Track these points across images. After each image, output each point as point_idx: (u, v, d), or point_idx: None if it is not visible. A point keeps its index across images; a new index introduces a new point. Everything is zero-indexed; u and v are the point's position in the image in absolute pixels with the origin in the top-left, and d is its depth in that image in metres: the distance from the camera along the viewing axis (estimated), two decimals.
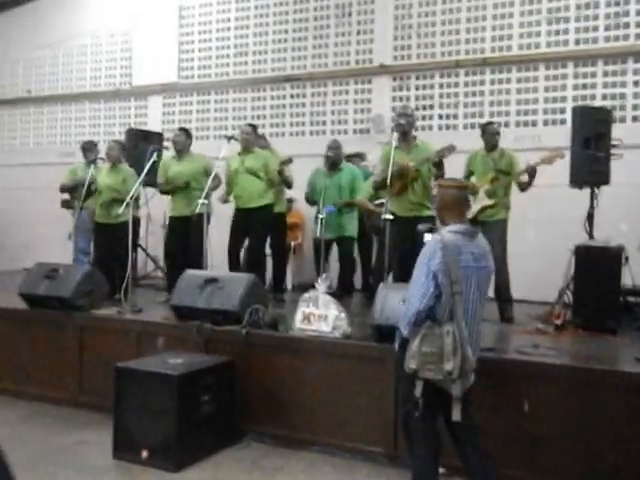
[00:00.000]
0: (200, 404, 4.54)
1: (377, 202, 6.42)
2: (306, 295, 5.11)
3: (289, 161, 6.87)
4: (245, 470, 4.47)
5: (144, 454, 4.41)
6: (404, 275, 5.72)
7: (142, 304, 6.31)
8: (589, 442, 4.03)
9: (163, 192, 7.10)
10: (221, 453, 4.70)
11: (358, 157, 7.72)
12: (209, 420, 4.62)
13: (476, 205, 6.04)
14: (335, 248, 7.15)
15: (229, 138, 6.77)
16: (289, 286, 8.19)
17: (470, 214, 5.90)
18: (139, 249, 8.68)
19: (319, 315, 4.95)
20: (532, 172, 5.86)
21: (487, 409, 4.19)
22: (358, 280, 7.53)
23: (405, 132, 5.89)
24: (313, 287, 5.11)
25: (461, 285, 3.36)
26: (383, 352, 4.56)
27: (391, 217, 5.41)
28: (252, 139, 6.90)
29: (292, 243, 8.35)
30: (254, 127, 7.08)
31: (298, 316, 5.07)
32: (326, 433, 4.75)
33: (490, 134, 6.20)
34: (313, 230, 6.93)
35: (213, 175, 6.48)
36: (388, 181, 5.43)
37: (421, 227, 4.78)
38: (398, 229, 5.80)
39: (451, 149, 5.46)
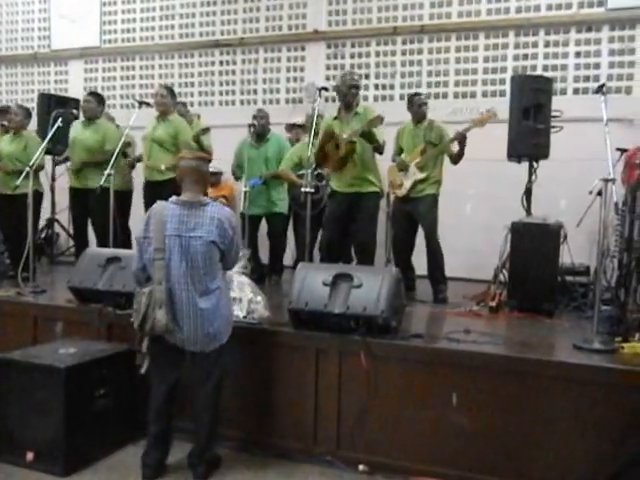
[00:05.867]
0: (94, 399, 4.01)
1: (300, 173, 6.03)
2: None
3: (206, 130, 6.48)
4: None
5: (29, 456, 3.86)
6: (336, 256, 5.39)
7: (54, 284, 5.74)
8: (523, 437, 3.65)
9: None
10: (122, 452, 4.19)
11: (301, 128, 7.16)
12: (105, 416, 4.09)
13: (408, 181, 5.73)
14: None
15: (140, 103, 6.12)
16: None
17: (404, 191, 5.64)
18: (57, 224, 8.15)
19: (233, 298, 4.41)
20: (462, 139, 5.50)
21: (414, 401, 3.87)
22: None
23: (350, 103, 5.48)
24: None
25: (163, 252, 3.55)
26: (301, 339, 4.15)
27: (312, 190, 4.98)
28: (168, 102, 6.24)
29: None
30: (170, 90, 6.42)
31: None
32: (240, 427, 4.29)
33: (417, 105, 5.84)
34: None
35: (122, 143, 5.90)
36: (309, 152, 4.99)
37: None
38: (336, 205, 5.50)
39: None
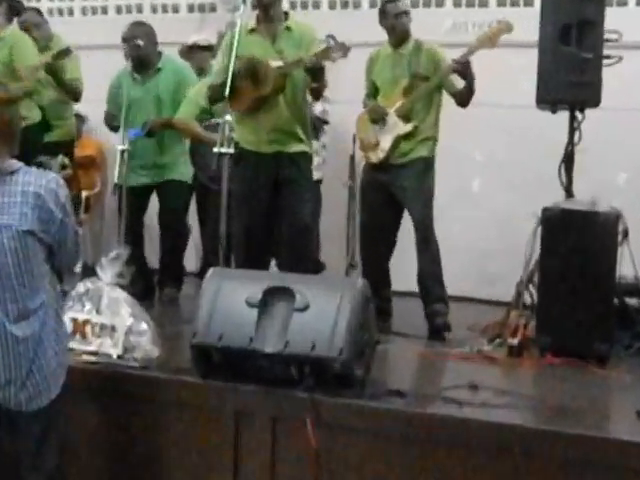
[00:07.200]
0: None
1: (211, 123, 6.05)
2: (80, 288, 4.56)
3: (67, 52, 6.41)
4: None
5: None
6: (255, 250, 5.48)
7: None
8: None
9: None
10: None
11: (208, 51, 7.08)
12: None
13: (386, 138, 5.73)
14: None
15: None
16: (77, 268, 7.63)
17: (381, 154, 5.70)
18: None
19: (101, 325, 4.41)
20: (465, 67, 5.49)
21: None
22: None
23: (266, 6, 5.43)
24: (94, 273, 4.58)
25: None
26: (212, 396, 4.09)
27: (230, 151, 5.04)
28: None
29: (84, 194, 8.04)
30: None
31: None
32: None
33: (393, 16, 5.82)
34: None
35: None
36: (227, 89, 4.97)
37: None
38: (250, 174, 5.49)
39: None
